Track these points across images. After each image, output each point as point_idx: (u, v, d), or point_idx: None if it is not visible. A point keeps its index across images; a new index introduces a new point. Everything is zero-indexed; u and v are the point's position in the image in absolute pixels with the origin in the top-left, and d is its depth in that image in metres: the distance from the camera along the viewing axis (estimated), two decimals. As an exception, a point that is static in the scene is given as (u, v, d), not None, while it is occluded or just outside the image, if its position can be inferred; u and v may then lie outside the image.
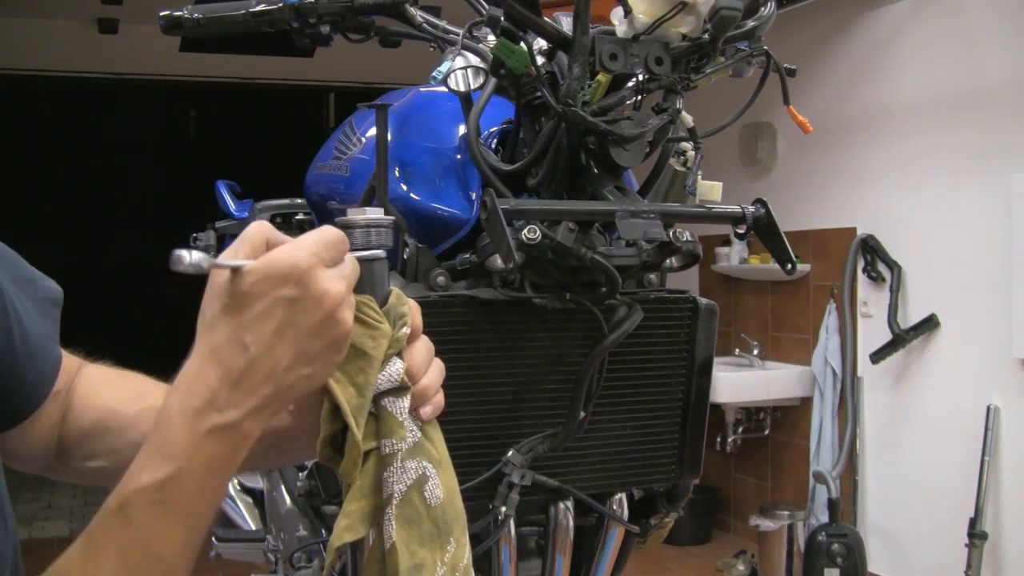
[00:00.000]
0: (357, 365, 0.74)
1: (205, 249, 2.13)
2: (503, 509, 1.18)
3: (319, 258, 0.67)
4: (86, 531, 0.67)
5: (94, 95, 8.30)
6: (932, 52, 3.76)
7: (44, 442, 0.89)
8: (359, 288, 0.73)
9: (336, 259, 0.69)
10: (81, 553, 0.66)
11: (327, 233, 0.70)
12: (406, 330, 0.76)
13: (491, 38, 1.15)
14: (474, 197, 1.23)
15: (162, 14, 1.34)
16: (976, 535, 3.43)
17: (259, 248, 0.68)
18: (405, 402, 0.77)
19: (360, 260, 0.74)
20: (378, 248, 0.76)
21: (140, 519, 0.65)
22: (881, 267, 3.96)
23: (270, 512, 2.12)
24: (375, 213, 0.77)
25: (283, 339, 0.67)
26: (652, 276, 1.29)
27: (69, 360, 0.92)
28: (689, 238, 1.15)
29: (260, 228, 0.69)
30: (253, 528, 2.36)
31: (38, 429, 0.88)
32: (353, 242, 0.75)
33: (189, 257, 0.66)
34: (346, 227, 0.75)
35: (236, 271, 0.67)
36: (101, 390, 0.92)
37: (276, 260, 0.67)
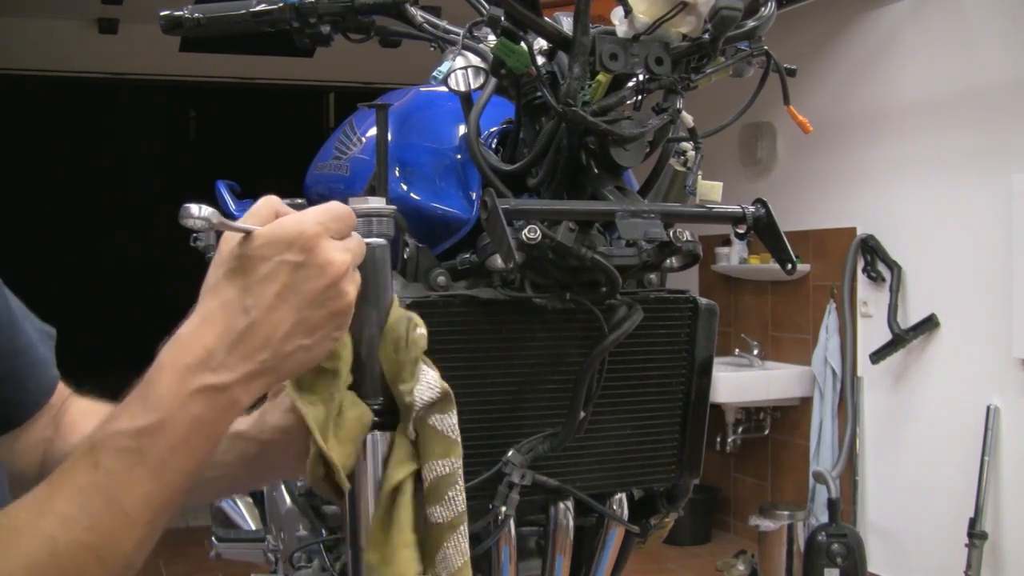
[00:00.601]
0: (320, 383, 0.74)
1: (205, 249, 2.13)
2: (503, 509, 1.18)
3: (325, 227, 0.68)
4: (52, 473, 0.64)
5: (94, 95, 8.30)
6: (932, 52, 3.76)
7: (31, 460, 0.87)
8: (362, 276, 0.73)
9: (342, 231, 0.70)
10: (40, 492, 0.63)
11: (335, 206, 0.70)
12: (421, 331, 0.76)
13: (491, 38, 1.14)
14: (474, 197, 1.23)
15: (162, 14, 1.34)
16: (976, 535, 3.43)
17: (268, 219, 0.68)
18: (453, 417, 0.76)
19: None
20: (379, 237, 0.76)
21: (108, 464, 0.62)
22: (881, 267, 3.96)
23: (270, 512, 2.12)
24: (377, 202, 0.77)
25: (284, 304, 0.66)
26: (652, 276, 1.29)
27: (62, 386, 0.92)
28: (689, 238, 1.15)
29: (269, 201, 0.70)
30: (253, 528, 2.36)
31: (28, 442, 0.87)
32: (355, 230, 0.75)
33: (199, 211, 0.66)
34: None
35: (246, 236, 0.67)
36: (87, 418, 0.91)
37: (283, 225, 0.67)
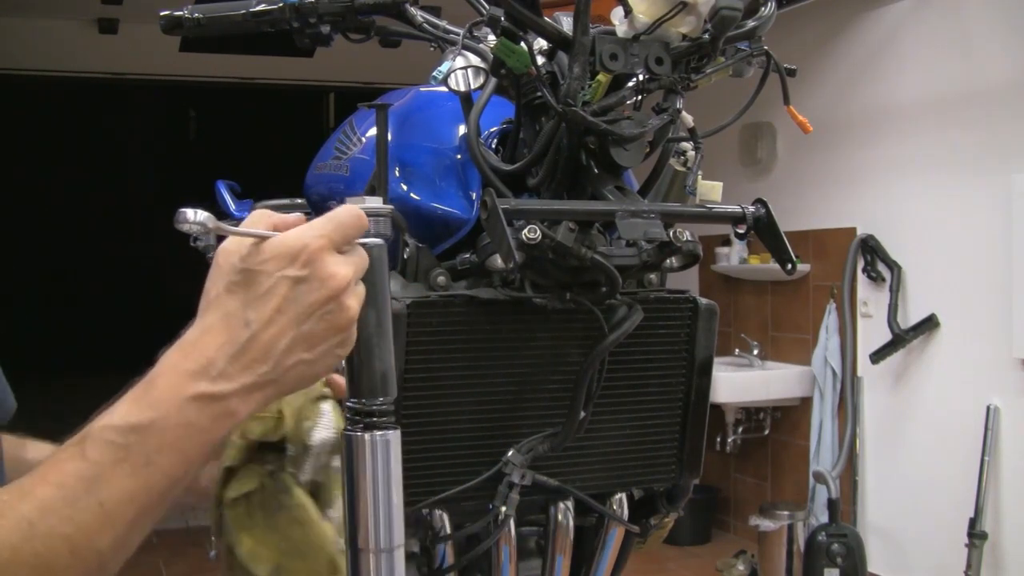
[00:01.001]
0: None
1: (205, 249, 2.13)
2: (503, 509, 1.18)
3: (329, 240, 0.68)
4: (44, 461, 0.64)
5: (94, 95, 8.31)
6: (932, 52, 3.76)
7: None
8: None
9: (348, 238, 0.70)
10: (27, 478, 0.63)
11: (340, 213, 0.70)
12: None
13: (491, 38, 1.14)
14: (474, 197, 1.23)
15: (162, 14, 1.34)
16: (976, 535, 3.43)
17: (267, 227, 0.69)
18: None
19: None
20: (376, 237, 0.76)
21: (94, 455, 0.62)
22: (881, 267, 3.96)
23: (270, 512, 2.11)
24: (374, 203, 0.77)
25: (284, 317, 0.66)
26: (652, 276, 1.29)
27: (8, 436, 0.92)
28: (689, 238, 1.15)
29: (263, 213, 0.70)
30: (253, 528, 2.35)
31: None
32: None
33: (194, 216, 0.66)
34: None
35: (250, 250, 0.67)
36: (27, 447, 0.91)
37: (286, 240, 0.67)
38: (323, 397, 0.79)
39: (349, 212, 0.70)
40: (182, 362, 0.65)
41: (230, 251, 0.68)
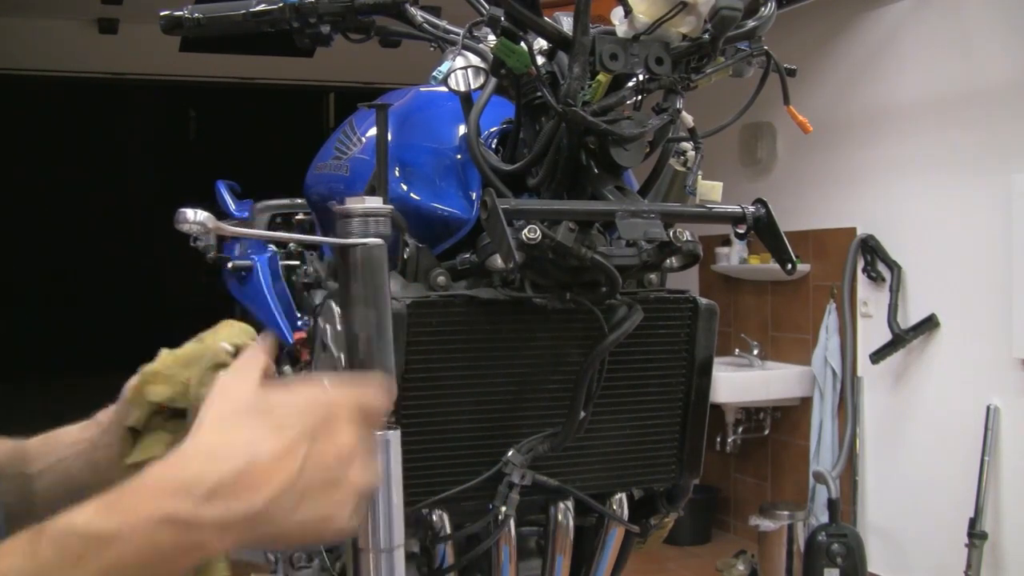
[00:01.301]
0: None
1: (205, 249, 2.13)
2: (503, 509, 1.18)
3: (348, 407, 0.67)
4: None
5: (94, 95, 8.31)
6: (932, 52, 3.76)
7: None
8: (359, 275, 0.74)
9: (368, 417, 0.68)
10: None
11: (367, 388, 0.69)
12: (225, 344, 0.77)
13: (491, 38, 1.15)
14: (474, 197, 1.23)
15: (162, 14, 1.34)
16: (976, 535, 3.43)
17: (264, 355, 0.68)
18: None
19: (358, 246, 0.75)
20: (376, 237, 0.77)
21: (47, 555, 0.58)
22: (881, 267, 3.96)
23: (270, 512, 2.11)
24: (374, 203, 0.77)
25: (284, 459, 0.63)
26: (652, 276, 1.29)
27: None
28: (689, 238, 1.15)
29: (257, 357, 0.71)
30: (253, 528, 2.35)
31: None
32: (351, 230, 0.75)
33: (194, 216, 0.66)
34: (345, 215, 0.76)
35: (266, 384, 0.67)
36: None
37: (311, 392, 0.66)
38: (222, 365, 0.77)
39: (377, 390, 0.69)
40: (166, 473, 0.61)
41: (240, 383, 0.67)
